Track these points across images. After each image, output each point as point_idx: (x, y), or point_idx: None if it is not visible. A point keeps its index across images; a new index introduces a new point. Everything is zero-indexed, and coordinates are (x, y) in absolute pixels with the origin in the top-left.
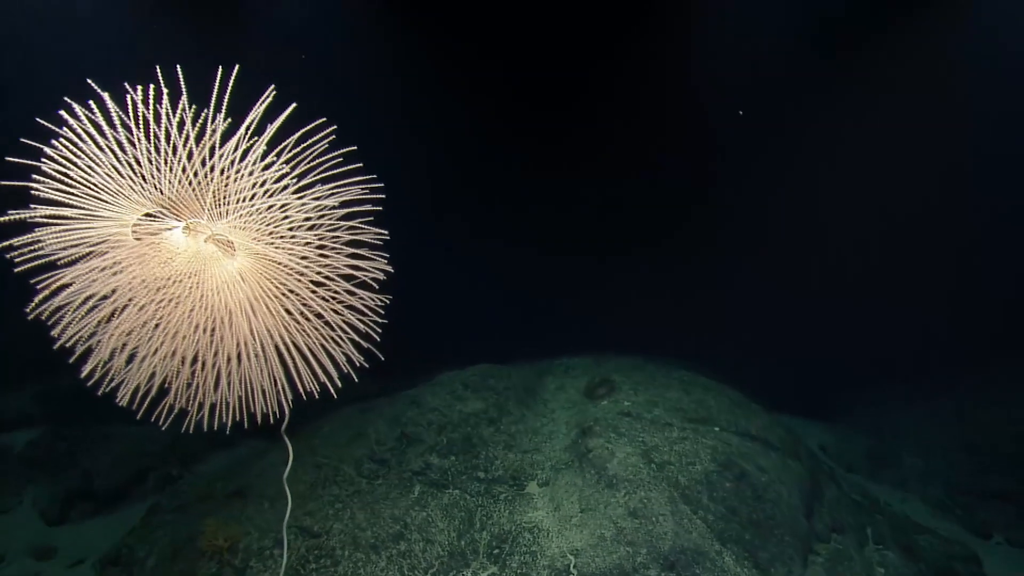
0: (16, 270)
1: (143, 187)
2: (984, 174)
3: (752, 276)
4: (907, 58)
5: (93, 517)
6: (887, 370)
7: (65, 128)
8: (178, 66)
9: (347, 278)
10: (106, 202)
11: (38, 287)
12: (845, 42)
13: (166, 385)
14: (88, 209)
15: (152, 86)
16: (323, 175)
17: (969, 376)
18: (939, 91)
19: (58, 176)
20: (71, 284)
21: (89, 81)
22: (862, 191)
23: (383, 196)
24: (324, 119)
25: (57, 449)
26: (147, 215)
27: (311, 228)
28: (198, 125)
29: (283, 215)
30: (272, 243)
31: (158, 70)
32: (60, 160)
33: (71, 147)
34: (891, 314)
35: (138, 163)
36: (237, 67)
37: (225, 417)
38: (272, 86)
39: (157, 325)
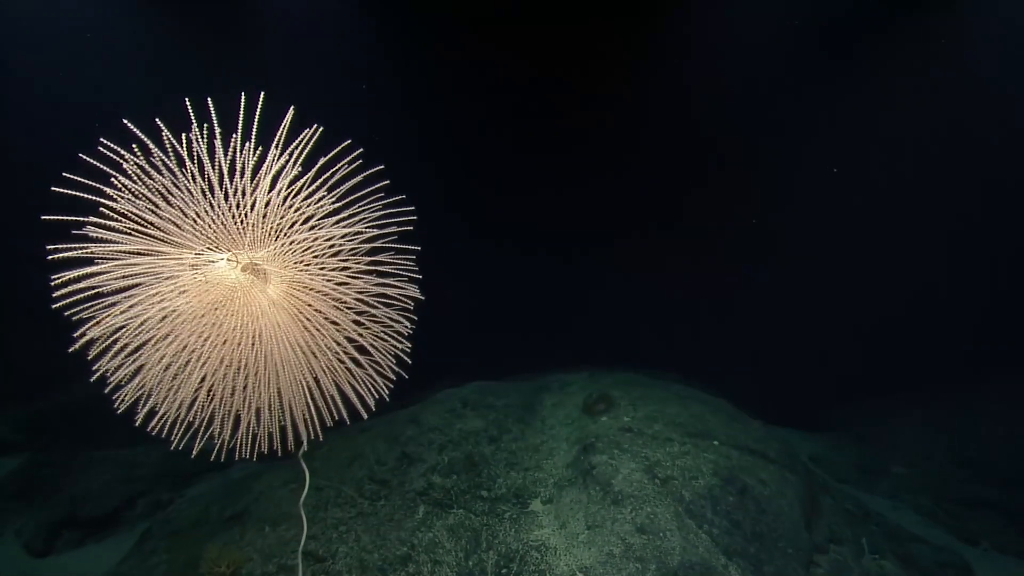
0: (60, 304)
1: (194, 223)
2: (983, 182)
3: (742, 288)
4: (907, 59)
5: (80, 547)
6: (874, 382)
7: (125, 165)
8: (209, 99)
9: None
10: (161, 240)
11: (82, 313)
12: (844, 43)
13: (198, 409)
14: (145, 245)
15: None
16: (353, 199)
17: (955, 389)
18: (939, 93)
19: (115, 215)
20: (120, 313)
21: (126, 122)
22: (856, 202)
23: (414, 218)
24: (349, 140)
25: (41, 476)
26: (196, 249)
27: (338, 254)
28: (225, 155)
29: (307, 246)
30: (303, 270)
31: (187, 102)
32: (116, 197)
33: (125, 185)
34: (879, 327)
35: (190, 198)
36: (262, 94)
37: (253, 441)
38: (291, 107)
39: (200, 346)
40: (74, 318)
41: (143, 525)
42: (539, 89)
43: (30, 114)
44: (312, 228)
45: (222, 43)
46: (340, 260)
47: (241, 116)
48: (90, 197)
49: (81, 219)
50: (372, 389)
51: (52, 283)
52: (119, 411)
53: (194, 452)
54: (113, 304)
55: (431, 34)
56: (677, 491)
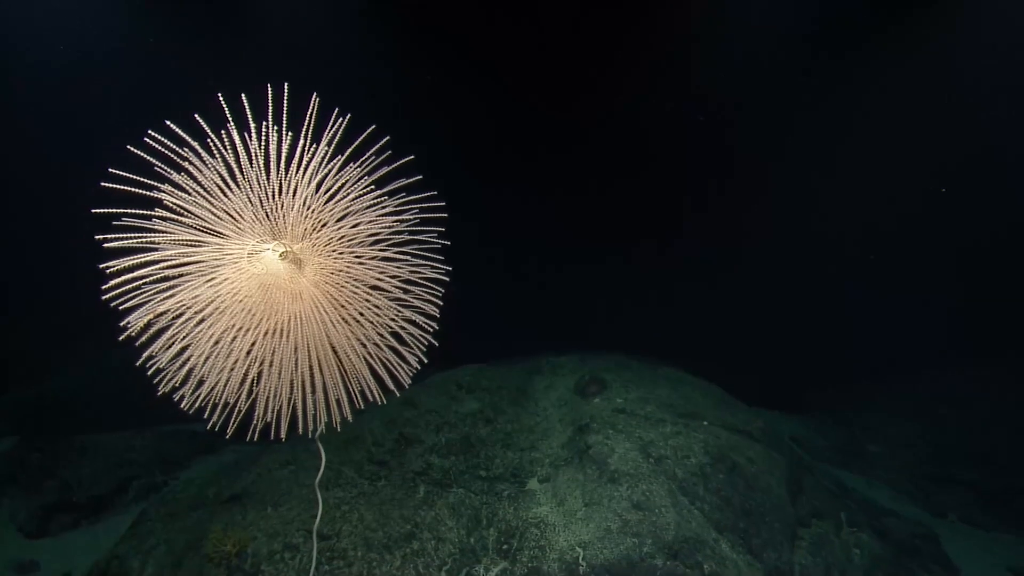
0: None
1: (250, 213)
2: (956, 179)
3: (727, 276)
4: (902, 60)
5: (74, 529)
6: (851, 368)
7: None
8: (243, 94)
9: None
10: (219, 233)
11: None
12: (841, 44)
13: (242, 385)
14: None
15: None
16: (384, 191)
17: (925, 374)
18: (930, 97)
19: (176, 207)
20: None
21: (169, 123)
22: (842, 194)
23: (444, 216)
24: (374, 126)
25: (31, 461)
26: (249, 239)
27: (373, 242)
28: (262, 150)
29: (341, 235)
30: (339, 258)
31: (219, 97)
32: (169, 193)
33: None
34: (857, 316)
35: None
36: (286, 85)
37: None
38: (315, 95)
39: (247, 320)
40: (123, 305)
41: (137, 508)
42: (528, 87)
43: (36, 114)
44: (344, 218)
45: (232, 39)
46: (371, 248)
47: (270, 110)
48: (143, 192)
49: (145, 212)
50: (404, 368)
51: (106, 271)
52: (163, 391)
53: (229, 430)
54: (169, 289)
55: (442, 32)
56: (671, 469)
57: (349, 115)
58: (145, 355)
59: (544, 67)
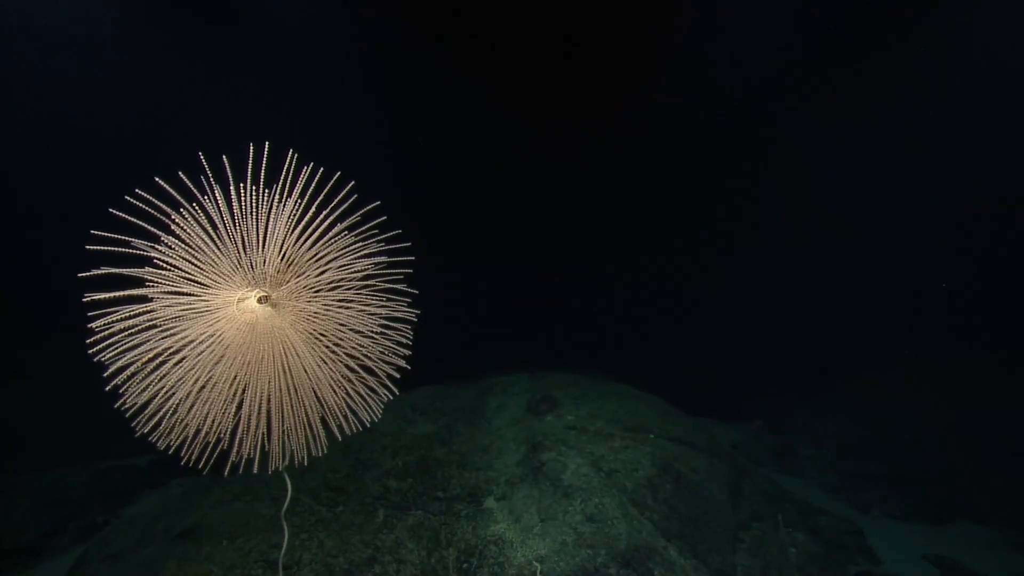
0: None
1: (235, 263)
2: (881, 194)
3: (665, 294)
4: (900, 65)
5: None
6: (784, 375)
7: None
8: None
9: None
10: (204, 284)
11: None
12: (841, 53)
13: (215, 427)
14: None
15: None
16: (353, 238)
17: (851, 379)
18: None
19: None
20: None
21: (158, 179)
22: (760, 215)
23: (412, 258)
24: (339, 173)
25: None
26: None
27: (335, 288)
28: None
29: (314, 282)
30: (312, 300)
31: (200, 155)
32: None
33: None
34: (785, 328)
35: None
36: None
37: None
38: (292, 151)
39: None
40: (111, 350)
41: (77, 551)
42: (501, 104)
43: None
44: (315, 265)
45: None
46: (338, 291)
47: (250, 166)
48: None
49: (133, 270)
50: (372, 402)
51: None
52: (143, 429)
53: (204, 464)
54: (157, 333)
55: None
56: (621, 482)
57: (322, 169)
58: (128, 396)
59: (509, 68)
